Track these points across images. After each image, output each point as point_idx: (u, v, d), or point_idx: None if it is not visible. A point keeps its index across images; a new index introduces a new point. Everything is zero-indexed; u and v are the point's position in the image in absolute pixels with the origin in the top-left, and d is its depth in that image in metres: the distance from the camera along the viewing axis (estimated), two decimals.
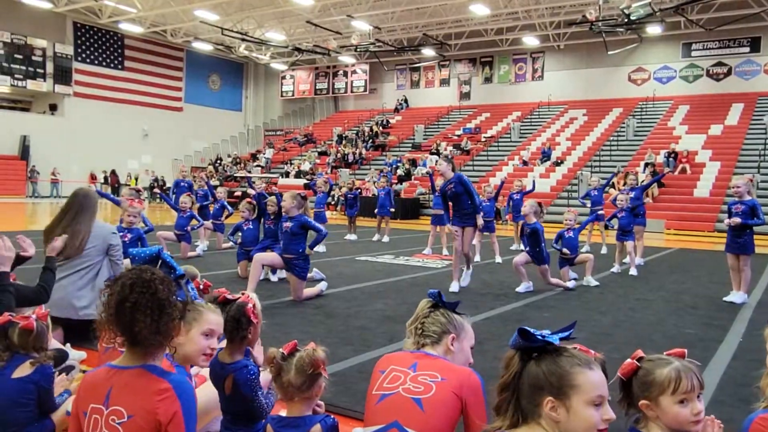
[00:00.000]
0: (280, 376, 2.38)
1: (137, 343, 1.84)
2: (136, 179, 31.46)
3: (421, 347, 2.44)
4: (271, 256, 6.99)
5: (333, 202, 26.39)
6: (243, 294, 2.71)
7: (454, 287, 7.59)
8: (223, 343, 2.64)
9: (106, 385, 1.87)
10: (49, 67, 31.43)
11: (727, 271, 7.67)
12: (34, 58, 30.92)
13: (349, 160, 30.82)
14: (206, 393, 2.76)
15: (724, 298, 7.45)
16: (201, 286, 2.32)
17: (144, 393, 1.81)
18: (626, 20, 23.34)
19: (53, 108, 32.29)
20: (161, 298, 1.83)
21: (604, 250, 12.48)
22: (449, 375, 2.21)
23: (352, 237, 14.34)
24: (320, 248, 11.97)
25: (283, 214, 7.12)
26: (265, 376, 2.72)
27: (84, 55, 32.84)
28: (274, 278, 8.23)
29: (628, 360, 1.92)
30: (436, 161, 10.56)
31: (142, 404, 1.80)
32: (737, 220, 7.16)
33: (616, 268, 9.86)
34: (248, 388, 2.62)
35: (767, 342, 1.99)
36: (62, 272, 4.58)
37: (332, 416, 2.38)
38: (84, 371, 3.74)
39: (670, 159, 22.97)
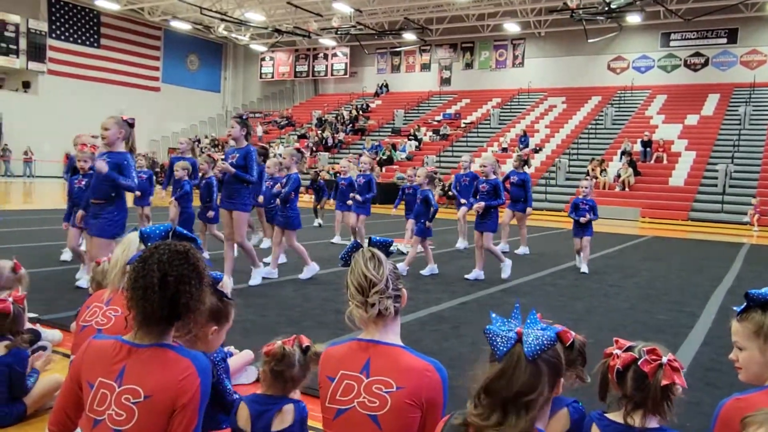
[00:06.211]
0: (285, 371, 2.29)
1: (174, 316, 1.81)
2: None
3: (379, 323, 2.09)
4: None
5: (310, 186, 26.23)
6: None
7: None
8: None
9: (119, 362, 1.82)
10: (23, 44, 30.62)
11: (702, 258, 7.80)
12: (6, 33, 30.09)
13: (329, 144, 30.67)
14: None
15: (466, 276, 7.64)
16: None
17: (166, 372, 1.79)
18: (606, 9, 23.49)
19: (26, 86, 31.54)
20: (200, 267, 1.84)
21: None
22: (405, 380, 1.95)
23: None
24: None
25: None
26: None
27: (59, 32, 32.08)
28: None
29: (615, 351, 1.89)
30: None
31: (164, 384, 1.78)
32: (482, 204, 7.52)
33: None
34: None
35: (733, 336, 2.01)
36: None
37: (303, 402, 2.33)
38: (56, 352, 3.70)
39: (647, 149, 23.24)
